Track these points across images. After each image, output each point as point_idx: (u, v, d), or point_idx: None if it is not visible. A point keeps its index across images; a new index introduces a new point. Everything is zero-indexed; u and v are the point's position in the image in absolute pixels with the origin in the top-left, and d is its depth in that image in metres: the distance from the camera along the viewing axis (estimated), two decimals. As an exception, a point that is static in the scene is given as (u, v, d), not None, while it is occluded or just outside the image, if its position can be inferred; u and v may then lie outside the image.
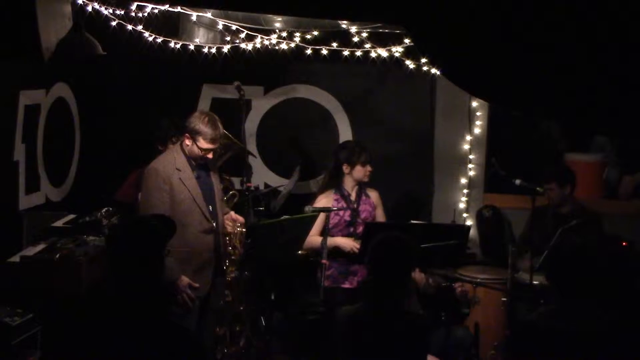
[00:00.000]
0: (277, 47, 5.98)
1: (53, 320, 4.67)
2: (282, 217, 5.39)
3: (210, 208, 5.04)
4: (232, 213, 5.28)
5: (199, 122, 4.93)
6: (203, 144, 4.94)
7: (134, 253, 3.13)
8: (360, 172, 5.48)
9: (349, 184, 5.53)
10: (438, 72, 5.46)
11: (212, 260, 5.04)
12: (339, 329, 3.97)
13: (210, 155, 5.02)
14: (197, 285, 4.87)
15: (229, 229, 5.19)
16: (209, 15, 5.70)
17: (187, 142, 4.97)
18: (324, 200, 5.49)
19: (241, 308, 5.23)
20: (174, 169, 4.94)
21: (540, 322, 3.60)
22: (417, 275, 5.19)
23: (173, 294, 4.79)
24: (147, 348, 3.02)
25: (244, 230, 5.15)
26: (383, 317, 3.86)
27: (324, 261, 5.14)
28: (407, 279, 4.16)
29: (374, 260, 3.97)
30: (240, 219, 5.25)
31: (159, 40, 5.60)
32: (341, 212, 5.46)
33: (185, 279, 4.82)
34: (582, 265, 3.59)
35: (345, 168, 5.50)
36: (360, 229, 5.43)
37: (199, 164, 5.05)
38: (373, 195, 5.65)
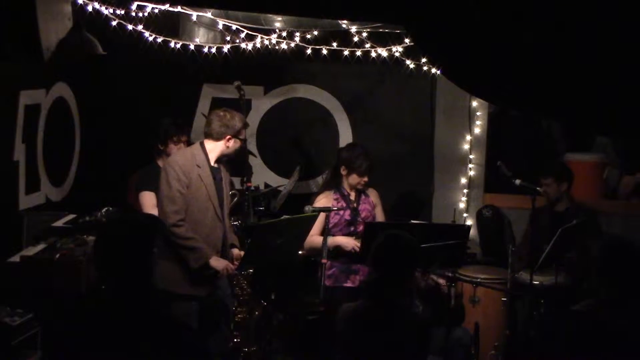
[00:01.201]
0: (277, 47, 5.98)
1: (53, 320, 4.67)
2: (282, 217, 5.39)
3: (220, 210, 5.06)
4: (242, 253, 5.20)
5: (232, 120, 5.01)
6: (243, 133, 5.08)
7: (117, 252, 3.10)
8: (355, 179, 5.47)
9: (347, 184, 5.53)
10: (438, 72, 5.47)
11: None
12: (340, 326, 3.97)
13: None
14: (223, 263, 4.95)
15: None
16: (209, 15, 5.70)
17: (229, 142, 5.02)
18: (324, 200, 5.48)
19: (253, 349, 5.13)
20: (194, 165, 4.97)
21: (590, 313, 3.60)
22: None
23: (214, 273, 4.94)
24: (148, 347, 3.01)
25: (250, 271, 5.11)
26: (384, 315, 3.87)
27: (324, 261, 5.14)
28: (410, 278, 4.17)
29: (377, 259, 3.97)
30: None
31: (159, 40, 5.60)
32: (341, 212, 5.46)
33: (214, 259, 4.91)
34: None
35: (343, 170, 5.50)
36: (360, 228, 5.43)
37: (220, 163, 5.10)
38: (372, 194, 5.65)
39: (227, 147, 5.03)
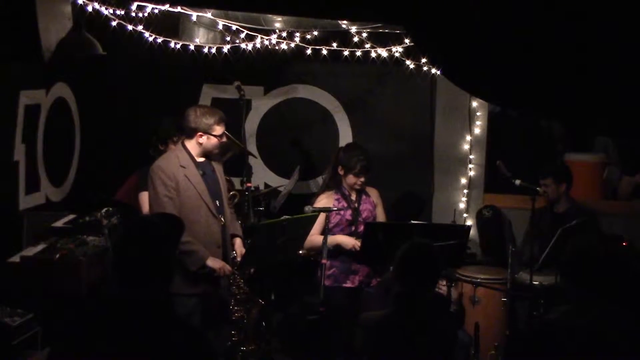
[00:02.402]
0: (277, 47, 5.98)
1: (53, 320, 4.67)
2: (282, 217, 5.39)
3: (217, 203, 5.07)
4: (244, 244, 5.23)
5: (202, 117, 4.98)
6: (218, 130, 5.01)
7: (138, 255, 3.11)
8: (352, 179, 5.46)
9: (346, 184, 5.53)
10: (438, 72, 5.46)
11: (218, 255, 5.05)
12: (364, 337, 3.95)
13: (224, 139, 5.11)
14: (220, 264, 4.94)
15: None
16: (209, 15, 5.69)
17: (201, 139, 5.00)
18: (325, 200, 5.48)
19: (251, 348, 5.13)
20: (179, 167, 4.97)
21: (561, 322, 3.56)
22: None
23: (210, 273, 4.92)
24: (151, 347, 3.01)
25: (250, 270, 5.11)
26: (415, 325, 3.85)
27: (324, 261, 5.13)
28: (435, 285, 4.16)
29: (405, 269, 3.93)
30: None
31: (159, 40, 5.60)
32: (342, 212, 5.45)
33: (211, 259, 4.91)
34: (606, 264, 3.56)
35: (340, 170, 5.50)
36: (361, 228, 5.42)
37: (211, 160, 5.10)
38: (373, 193, 5.64)
39: (200, 144, 5.01)
